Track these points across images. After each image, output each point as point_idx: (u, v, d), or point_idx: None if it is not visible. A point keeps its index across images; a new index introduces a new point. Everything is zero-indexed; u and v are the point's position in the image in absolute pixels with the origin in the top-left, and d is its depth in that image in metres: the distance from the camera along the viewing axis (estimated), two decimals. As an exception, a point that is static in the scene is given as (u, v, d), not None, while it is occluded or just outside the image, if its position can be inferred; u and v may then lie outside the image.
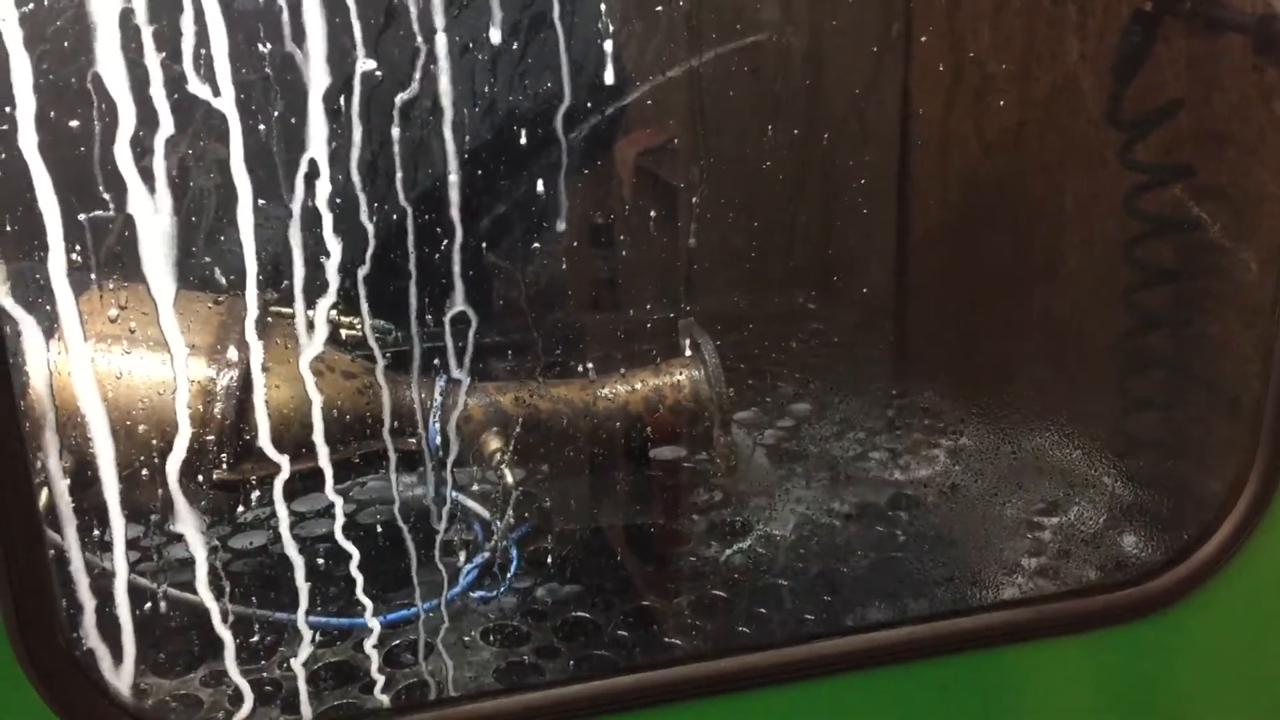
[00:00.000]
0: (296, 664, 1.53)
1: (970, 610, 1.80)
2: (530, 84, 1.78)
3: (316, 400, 1.46)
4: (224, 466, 1.72)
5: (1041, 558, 2.02)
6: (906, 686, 1.66)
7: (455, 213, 1.53)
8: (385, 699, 1.65)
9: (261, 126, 1.38)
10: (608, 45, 1.75)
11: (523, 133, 1.83)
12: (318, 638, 1.79)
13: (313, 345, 1.41)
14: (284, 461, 1.43)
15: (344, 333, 1.95)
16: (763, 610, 1.95)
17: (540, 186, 1.88)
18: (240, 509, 1.77)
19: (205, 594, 1.40)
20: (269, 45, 1.36)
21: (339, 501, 1.50)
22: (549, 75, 1.69)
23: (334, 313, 1.51)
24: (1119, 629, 1.71)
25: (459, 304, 1.56)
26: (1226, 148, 1.86)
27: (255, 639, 1.74)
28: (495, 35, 1.53)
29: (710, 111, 2.34)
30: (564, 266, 1.78)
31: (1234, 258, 1.82)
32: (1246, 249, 1.80)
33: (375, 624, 1.69)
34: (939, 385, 2.50)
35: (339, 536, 1.52)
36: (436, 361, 1.64)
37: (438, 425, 1.86)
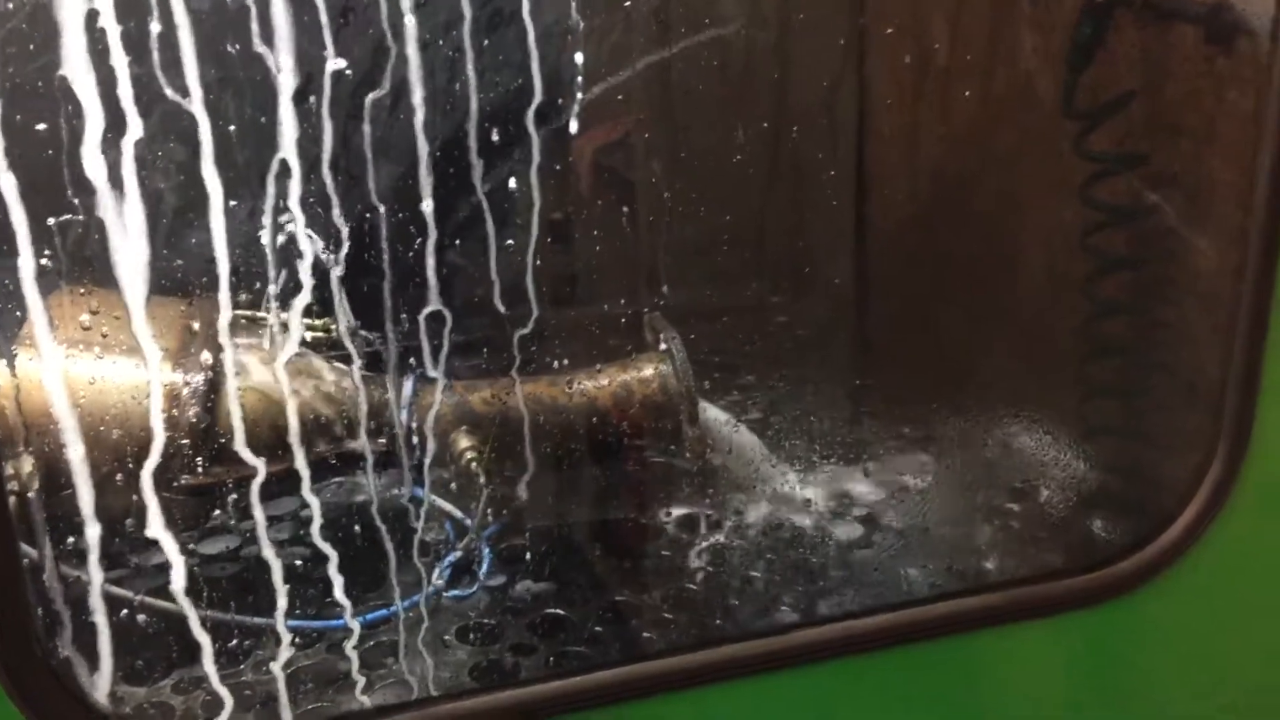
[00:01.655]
0: (275, 667, 1.52)
1: (938, 597, 1.81)
2: (496, 80, 1.78)
3: (291, 404, 1.45)
4: (193, 471, 1.71)
5: (1008, 543, 2.04)
6: (878, 673, 1.68)
7: (426, 210, 1.53)
8: (366, 699, 1.65)
9: (232, 127, 1.37)
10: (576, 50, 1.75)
11: (486, 129, 1.82)
12: (296, 640, 1.78)
13: (287, 347, 1.40)
14: (259, 464, 1.42)
15: (310, 335, 1.94)
16: (735, 602, 1.96)
17: (506, 182, 1.87)
18: (210, 512, 1.76)
19: (181, 599, 1.38)
20: (237, 45, 1.35)
21: (315, 502, 1.49)
22: (514, 71, 1.69)
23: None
24: (1085, 612, 1.73)
25: (432, 303, 1.56)
26: (1180, 137, 1.88)
27: (233, 643, 1.73)
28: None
29: (674, 105, 2.35)
30: (529, 263, 1.77)
31: (1191, 245, 1.85)
32: (1203, 236, 1.83)
33: (355, 625, 1.69)
34: (904, 375, 2.52)
35: (317, 538, 1.51)
36: (411, 361, 1.63)
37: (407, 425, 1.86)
